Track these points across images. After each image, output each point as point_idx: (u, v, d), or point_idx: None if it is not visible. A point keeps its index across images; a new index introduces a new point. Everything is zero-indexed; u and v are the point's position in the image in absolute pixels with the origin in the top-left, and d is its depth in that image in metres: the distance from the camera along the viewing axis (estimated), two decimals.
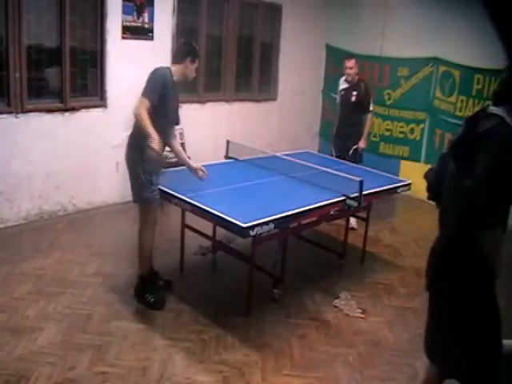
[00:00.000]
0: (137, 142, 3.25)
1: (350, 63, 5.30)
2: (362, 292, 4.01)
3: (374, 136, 7.13)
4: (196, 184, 3.84)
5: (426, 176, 2.19)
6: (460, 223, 1.89)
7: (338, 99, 5.61)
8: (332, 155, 5.49)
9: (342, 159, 5.19)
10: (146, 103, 3.16)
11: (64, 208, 5.13)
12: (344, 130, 5.42)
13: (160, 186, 3.70)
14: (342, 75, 5.51)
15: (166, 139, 3.39)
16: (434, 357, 2.13)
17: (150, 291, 3.50)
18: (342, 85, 5.47)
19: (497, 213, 1.81)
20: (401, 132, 6.89)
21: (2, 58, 4.49)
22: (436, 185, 2.08)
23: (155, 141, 3.04)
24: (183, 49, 3.48)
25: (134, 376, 2.81)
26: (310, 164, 4.42)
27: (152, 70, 3.34)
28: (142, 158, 3.17)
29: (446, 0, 6.10)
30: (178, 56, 3.46)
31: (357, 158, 5.35)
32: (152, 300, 3.46)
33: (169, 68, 3.39)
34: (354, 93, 5.32)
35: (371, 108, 5.36)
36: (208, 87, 6.35)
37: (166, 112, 3.33)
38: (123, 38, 5.26)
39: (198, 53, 3.51)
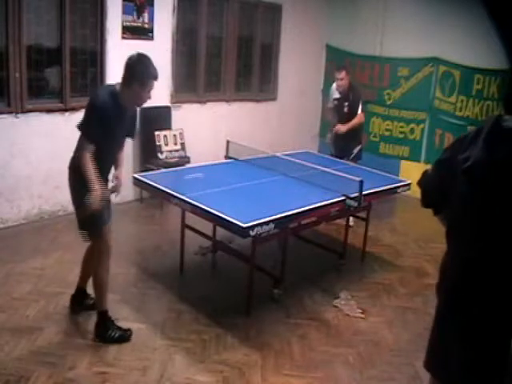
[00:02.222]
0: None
1: (341, 75, 5.30)
2: (361, 292, 4.01)
3: (374, 136, 7.14)
4: (196, 184, 3.85)
5: (421, 183, 2.03)
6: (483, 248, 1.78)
7: (329, 104, 5.68)
8: (331, 154, 5.54)
9: (341, 158, 5.26)
10: (91, 148, 2.85)
11: (64, 208, 5.12)
12: (342, 135, 5.42)
13: (158, 186, 3.70)
14: (334, 82, 5.55)
15: (110, 165, 3.12)
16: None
17: (110, 327, 3.11)
18: (335, 93, 5.51)
19: None
20: (401, 132, 6.89)
21: (2, 58, 4.49)
22: (435, 193, 1.96)
23: (96, 190, 2.78)
24: (131, 71, 2.85)
25: (134, 376, 2.80)
26: (309, 164, 4.43)
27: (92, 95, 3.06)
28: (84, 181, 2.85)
29: (446, 0, 6.11)
30: (124, 77, 2.88)
31: (357, 158, 5.42)
32: (117, 335, 3.09)
33: (113, 91, 2.90)
34: (346, 103, 5.38)
35: (359, 111, 5.36)
36: (208, 87, 6.35)
37: (109, 147, 2.99)
38: (123, 37, 5.26)
39: (153, 74, 2.86)
